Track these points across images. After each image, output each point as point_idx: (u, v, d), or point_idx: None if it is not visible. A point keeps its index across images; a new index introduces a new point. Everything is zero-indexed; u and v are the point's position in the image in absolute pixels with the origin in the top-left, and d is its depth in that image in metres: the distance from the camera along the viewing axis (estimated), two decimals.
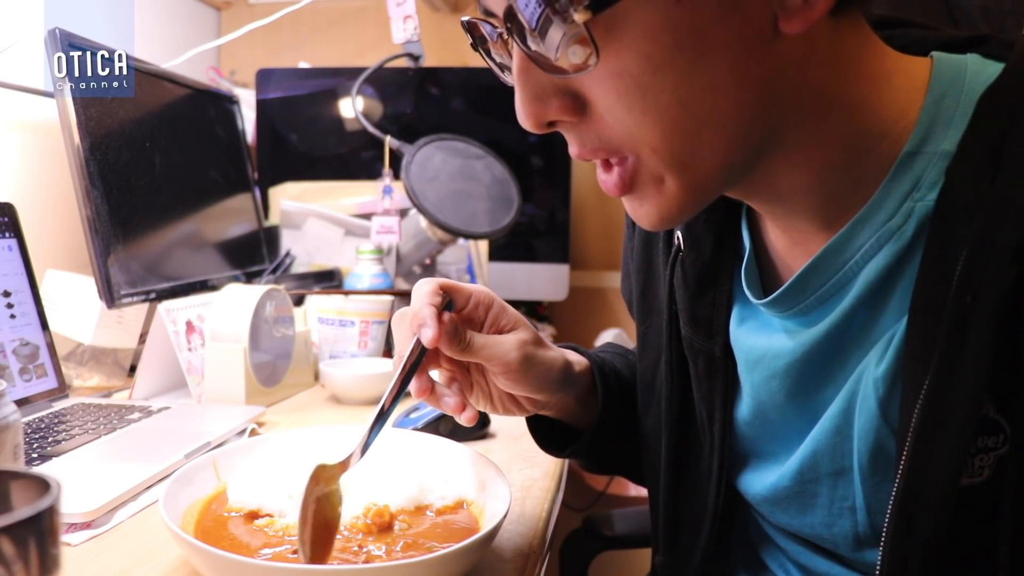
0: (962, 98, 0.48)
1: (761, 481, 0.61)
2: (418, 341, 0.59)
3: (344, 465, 0.59)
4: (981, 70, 0.49)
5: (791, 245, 0.56)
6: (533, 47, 0.46)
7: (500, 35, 0.50)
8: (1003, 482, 0.45)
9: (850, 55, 0.48)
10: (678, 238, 0.63)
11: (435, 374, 0.64)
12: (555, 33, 0.44)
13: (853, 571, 0.58)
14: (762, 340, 0.59)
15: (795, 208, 0.53)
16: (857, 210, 0.50)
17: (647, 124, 0.46)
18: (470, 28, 0.52)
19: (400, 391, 0.60)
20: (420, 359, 0.60)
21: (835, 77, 0.48)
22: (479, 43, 0.53)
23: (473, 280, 1.58)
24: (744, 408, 0.62)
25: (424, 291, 0.61)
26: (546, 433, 0.73)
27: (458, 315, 0.62)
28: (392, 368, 0.62)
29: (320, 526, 0.56)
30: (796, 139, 0.49)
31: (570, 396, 0.69)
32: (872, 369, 0.51)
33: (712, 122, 0.46)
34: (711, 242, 0.61)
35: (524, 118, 0.49)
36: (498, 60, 0.52)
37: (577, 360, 0.70)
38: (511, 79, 0.50)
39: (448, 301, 0.61)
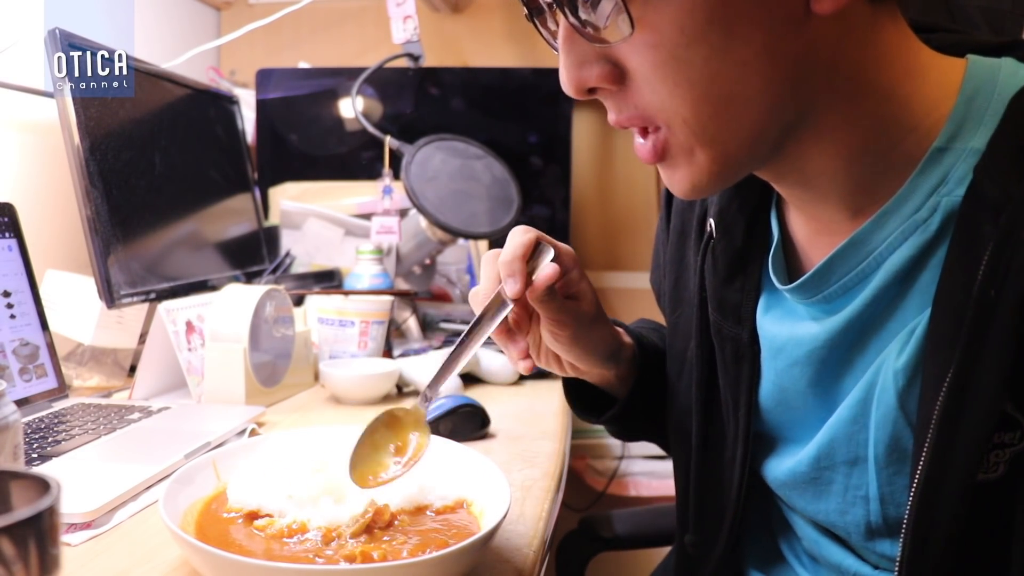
0: (994, 98, 0.49)
1: (781, 465, 0.62)
2: (501, 289, 0.61)
3: (421, 409, 0.62)
4: (1014, 72, 0.50)
5: (815, 234, 0.57)
6: (577, 16, 0.48)
7: (549, 5, 0.52)
8: (1018, 479, 0.45)
9: (886, 45, 0.49)
10: (710, 225, 0.64)
11: None
12: (596, 3, 0.47)
13: (865, 562, 0.59)
14: (786, 327, 0.59)
15: (823, 194, 0.54)
16: (883, 201, 0.51)
17: (679, 95, 0.48)
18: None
19: (481, 334, 0.61)
20: (501, 308, 0.61)
21: (869, 63, 0.49)
22: (534, 14, 0.54)
23: (473, 281, 1.58)
24: (767, 394, 0.62)
25: (518, 241, 0.61)
26: (581, 396, 0.77)
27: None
28: (473, 308, 0.64)
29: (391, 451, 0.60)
30: (827, 121, 0.50)
31: (611, 372, 0.72)
32: (892, 360, 0.51)
33: (742, 97, 0.48)
34: (742, 229, 0.62)
35: (567, 84, 0.51)
36: (552, 29, 0.54)
37: (628, 343, 0.74)
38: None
39: (550, 252, 0.62)
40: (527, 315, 0.67)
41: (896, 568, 0.48)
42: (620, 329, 0.75)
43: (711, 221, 0.64)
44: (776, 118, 0.49)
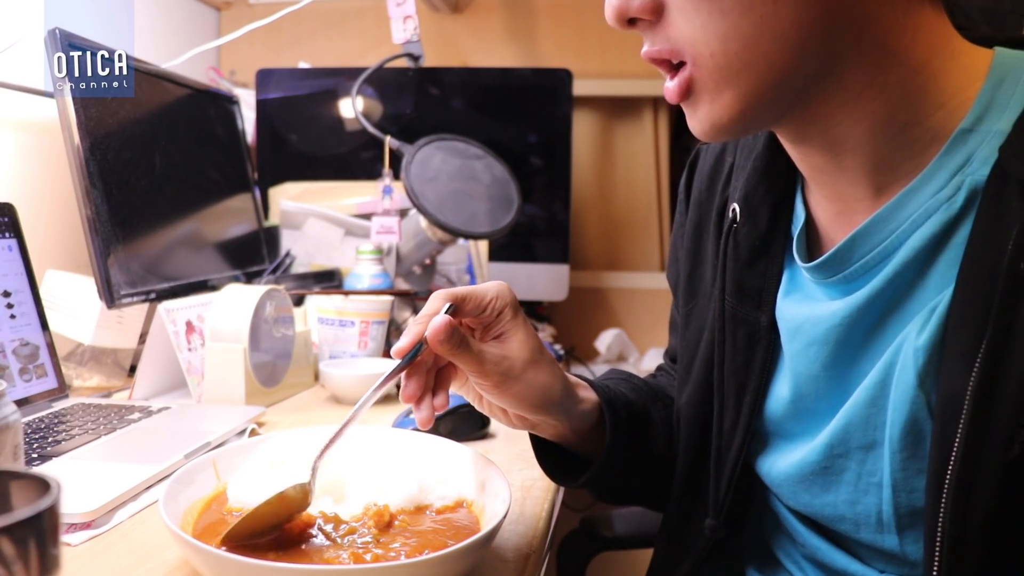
0: (1020, 84, 0.50)
1: (786, 460, 0.62)
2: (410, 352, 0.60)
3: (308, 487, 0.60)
4: None
5: (837, 215, 0.58)
6: None
7: None
8: None
9: (921, 19, 0.51)
10: (733, 211, 0.65)
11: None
12: None
13: (870, 568, 0.58)
14: (805, 308, 0.60)
15: (846, 168, 0.55)
16: (906, 180, 0.52)
17: (711, 26, 0.50)
18: None
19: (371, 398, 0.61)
20: (407, 363, 0.60)
21: (900, 31, 0.50)
22: None
23: (472, 280, 1.58)
24: (781, 384, 0.62)
25: (429, 309, 0.62)
26: (555, 461, 0.72)
27: (459, 320, 0.62)
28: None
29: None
30: (854, 81, 0.51)
31: (563, 425, 0.67)
32: (913, 339, 0.51)
33: (771, 34, 0.49)
34: (767, 214, 0.63)
35: (610, 12, 0.54)
36: None
37: (586, 396, 0.69)
38: None
39: (452, 308, 0.61)
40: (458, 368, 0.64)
41: (936, 549, 0.48)
42: (582, 382, 0.70)
43: (734, 206, 0.65)
44: (802, 64, 0.50)
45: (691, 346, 0.72)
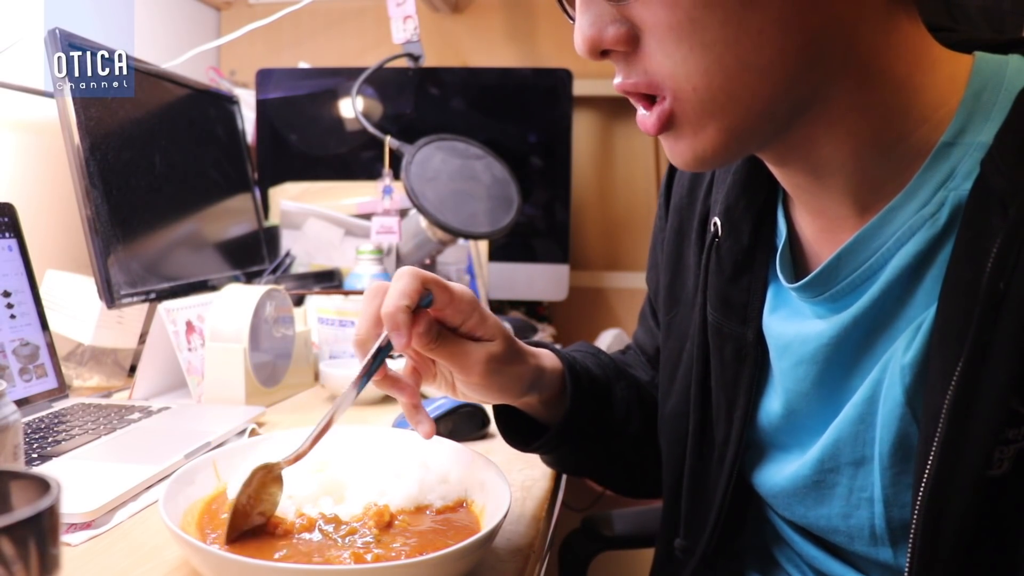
0: (1001, 93, 0.49)
1: (780, 473, 0.61)
2: (386, 337, 0.59)
3: (291, 461, 0.61)
4: (1021, 68, 0.50)
5: (822, 232, 0.57)
6: None
7: None
8: (1023, 475, 0.45)
9: (900, 34, 0.49)
10: (715, 224, 0.64)
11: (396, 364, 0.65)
12: None
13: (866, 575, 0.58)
14: (792, 326, 0.59)
15: (829, 187, 0.54)
16: (890, 197, 0.51)
17: (692, 59, 0.47)
18: None
19: (364, 382, 0.60)
20: (386, 353, 0.60)
21: (883, 50, 0.49)
22: None
23: (473, 280, 1.58)
24: (773, 399, 0.62)
25: (401, 288, 0.58)
26: (513, 425, 0.73)
27: (435, 311, 0.61)
28: (357, 354, 0.61)
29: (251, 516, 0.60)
30: (838, 106, 0.50)
31: (534, 399, 0.69)
32: (899, 356, 0.51)
33: (755, 66, 0.47)
34: (749, 228, 0.62)
35: (580, 44, 0.51)
36: None
37: (551, 367, 0.70)
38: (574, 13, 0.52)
39: (428, 296, 0.59)
40: (430, 358, 0.64)
41: (907, 566, 0.48)
42: (547, 351, 0.71)
43: (716, 220, 0.64)
44: (787, 94, 0.49)
45: (673, 356, 0.71)
